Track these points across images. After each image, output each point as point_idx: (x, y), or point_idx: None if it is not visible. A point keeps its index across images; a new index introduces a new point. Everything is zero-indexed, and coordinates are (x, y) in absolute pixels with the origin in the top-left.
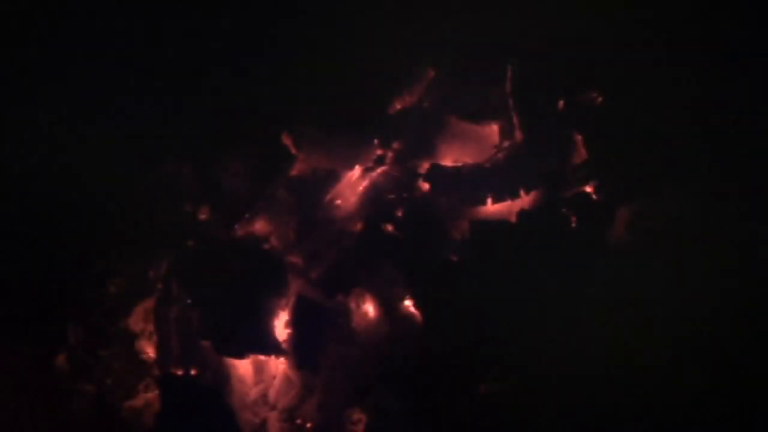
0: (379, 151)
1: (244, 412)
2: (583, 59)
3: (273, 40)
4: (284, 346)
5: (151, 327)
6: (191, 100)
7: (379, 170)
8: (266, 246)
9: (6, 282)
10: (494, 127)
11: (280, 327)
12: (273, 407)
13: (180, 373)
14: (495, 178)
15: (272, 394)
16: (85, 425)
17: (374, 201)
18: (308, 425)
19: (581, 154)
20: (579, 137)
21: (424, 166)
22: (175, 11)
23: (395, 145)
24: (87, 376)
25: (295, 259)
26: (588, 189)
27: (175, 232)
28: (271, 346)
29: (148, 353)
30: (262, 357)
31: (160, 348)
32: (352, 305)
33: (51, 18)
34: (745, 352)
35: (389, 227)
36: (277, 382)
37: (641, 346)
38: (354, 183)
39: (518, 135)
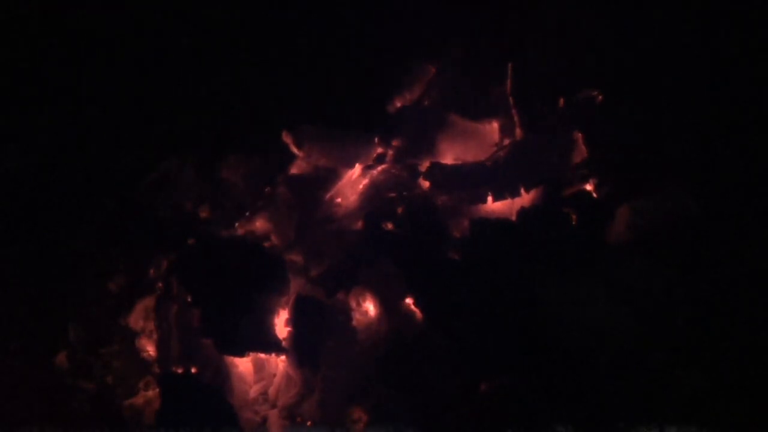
0: (379, 150)
1: (244, 410)
2: (583, 58)
3: (273, 38)
4: (284, 344)
5: (151, 325)
6: (192, 99)
7: (380, 168)
8: (266, 244)
9: (6, 281)
10: (495, 125)
11: (281, 325)
12: (273, 405)
13: (180, 371)
14: (495, 176)
15: (273, 392)
16: (85, 423)
17: (374, 199)
18: (309, 423)
19: (582, 152)
20: (579, 135)
21: (425, 164)
22: (175, 10)
23: (395, 143)
24: (87, 374)
25: (295, 257)
26: (588, 187)
27: (176, 231)
28: (272, 345)
29: (148, 351)
30: (262, 355)
31: (160, 346)
32: (353, 303)
33: (52, 16)
34: (744, 351)
35: (389, 225)
36: (277, 381)
37: (641, 344)
38: (354, 181)
39: (519, 133)
